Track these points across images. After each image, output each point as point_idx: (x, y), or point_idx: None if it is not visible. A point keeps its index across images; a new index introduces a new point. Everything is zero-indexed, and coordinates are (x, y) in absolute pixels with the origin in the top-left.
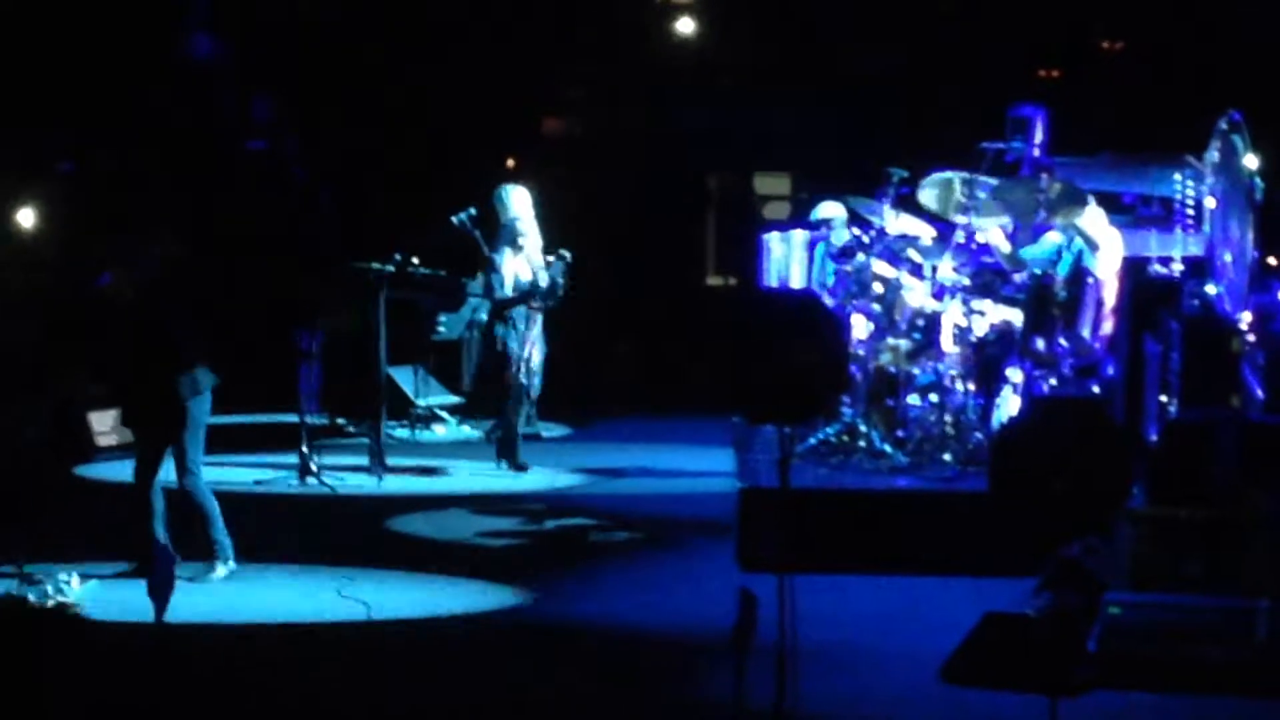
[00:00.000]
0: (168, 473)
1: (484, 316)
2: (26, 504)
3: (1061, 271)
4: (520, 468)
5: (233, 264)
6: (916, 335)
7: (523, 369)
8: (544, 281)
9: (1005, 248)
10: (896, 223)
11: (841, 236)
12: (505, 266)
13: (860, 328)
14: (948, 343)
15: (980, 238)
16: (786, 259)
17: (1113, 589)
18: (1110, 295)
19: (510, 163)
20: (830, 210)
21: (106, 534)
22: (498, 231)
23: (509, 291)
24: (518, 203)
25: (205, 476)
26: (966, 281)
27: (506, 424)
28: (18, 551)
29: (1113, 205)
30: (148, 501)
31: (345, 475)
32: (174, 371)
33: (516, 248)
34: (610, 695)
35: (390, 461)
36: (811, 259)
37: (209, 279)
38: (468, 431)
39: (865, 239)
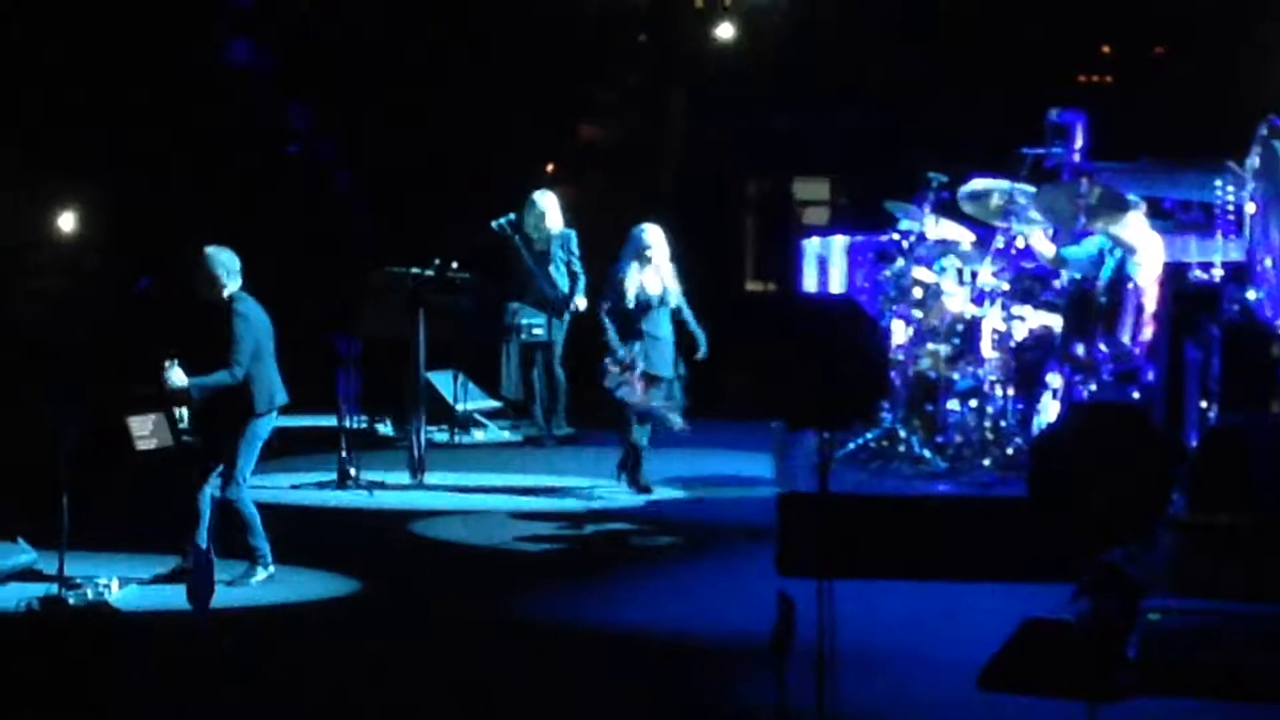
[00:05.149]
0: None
1: (523, 321)
2: (62, 504)
3: (1103, 276)
4: (644, 489)
5: (271, 268)
6: (956, 341)
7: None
8: (675, 291)
9: (1049, 251)
10: (936, 228)
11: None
12: (630, 279)
13: (900, 333)
14: (987, 348)
15: (1021, 241)
16: (826, 264)
17: (1152, 595)
18: (1150, 301)
19: (549, 168)
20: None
21: (145, 536)
22: (535, 241)
23: (630, 304)
24: (549, 209)
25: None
26: (1006, 287)
27: (630, 441)
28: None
29: (1153, 210)
30: (197, 505)
31: (383, 478)
32: (248, 381)
33: (644, 260)
34: (650, 699)
35: (433, 467)
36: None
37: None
38: (507, 435)
39: (905, 244)
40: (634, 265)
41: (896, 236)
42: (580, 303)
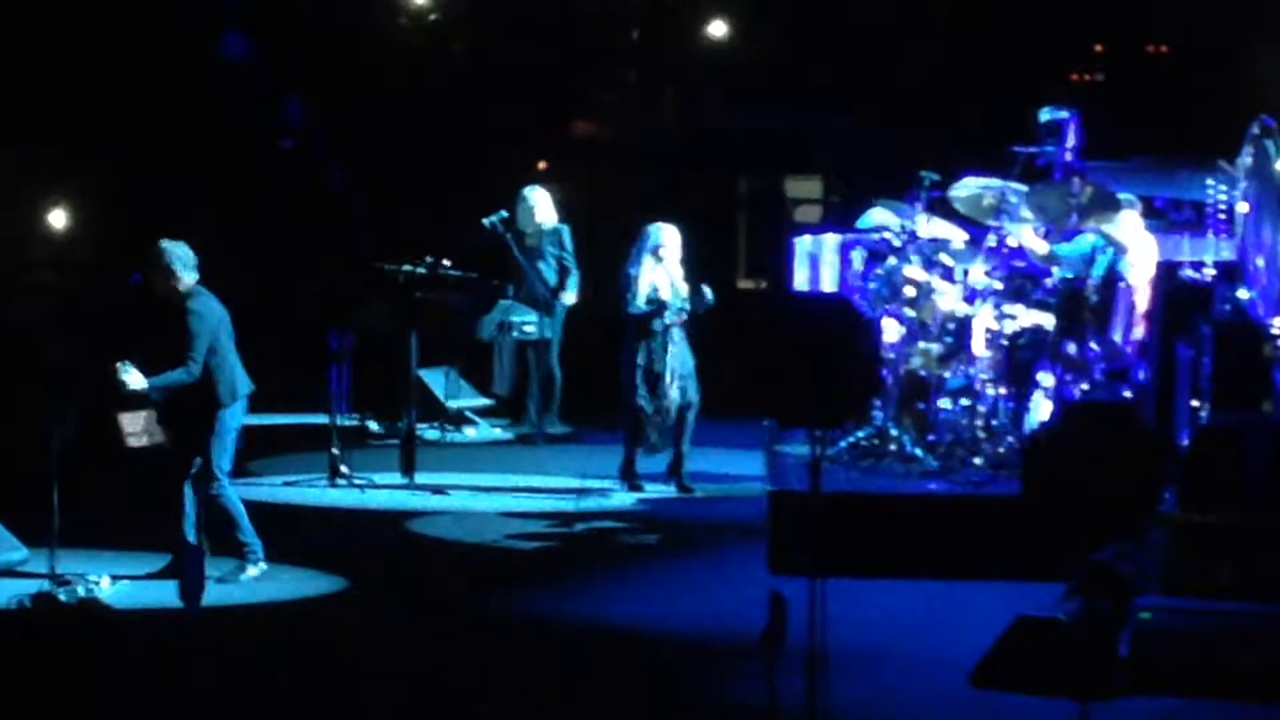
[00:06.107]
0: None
1: (514, 318)
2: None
3: (1095, 275)
4: (636, 487)
5: (265, 264)
6: (948, 339)
7: (668, 384)
8: (683, 293)
9: (1041, 249)
10: (928, 226)
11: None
12: (644, 278)
13: (891, 331)
14: (979, 346)
15: (1012, 240)
16: (817, 262)
17: (1144, 594)
18: (1142, 300)
19: (541, 165)
20: (883, 217)
21: (137, 533)
22: (526, 237)
23: (642, 304)
24: (539, 204)
25: (236, 478)
26: (998, 285)
27: (629, 442)
28: (46, 546)
29: (1145, 209)
30: (179, 502)
31: (374, 476)
32: (210, 376)
33: (657, 258)
34: (641, 697)
35: (424, 464)
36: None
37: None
38: (498, 433)
39: (896, 242)
40: (648, 262)
41: (888, 236)
42: (569, 298)
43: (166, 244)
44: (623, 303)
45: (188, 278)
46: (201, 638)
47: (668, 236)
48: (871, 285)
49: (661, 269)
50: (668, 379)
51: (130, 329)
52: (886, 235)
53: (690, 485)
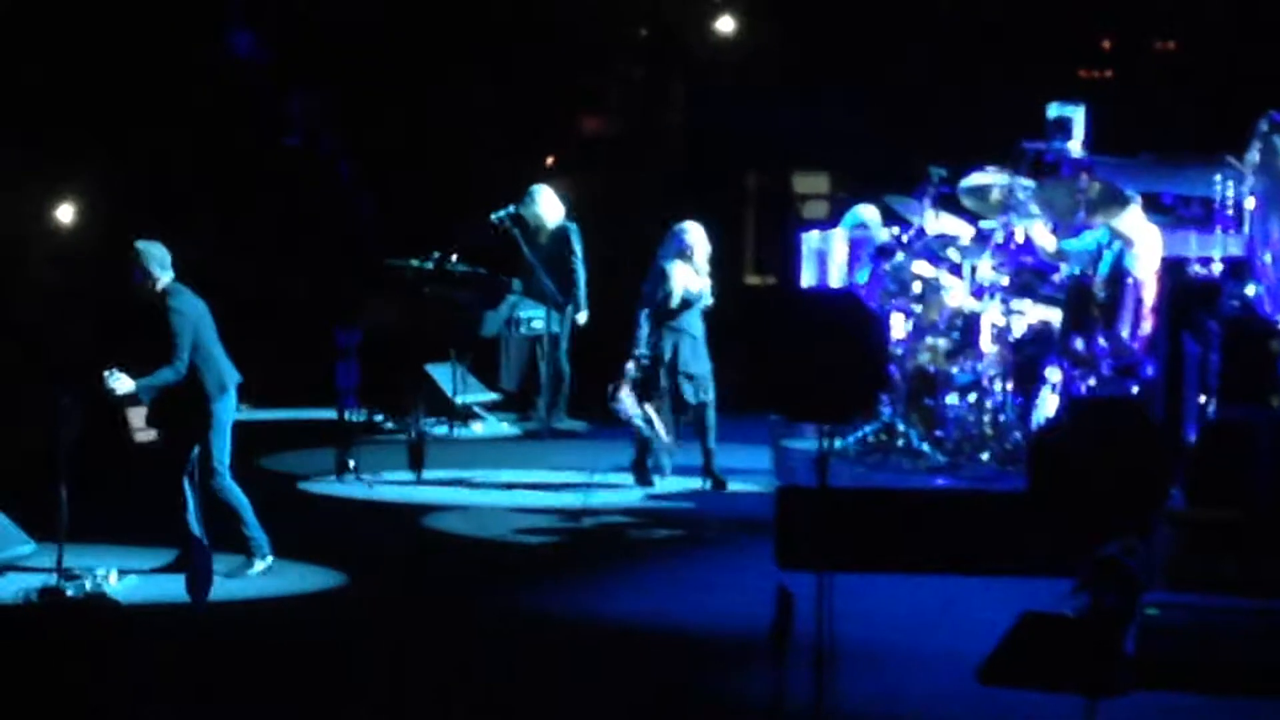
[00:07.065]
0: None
1: (522, 314)
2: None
3: (1101, 271)
4: (647, 482)
5: (272, 260)
6: (955, 335)
7: (687, 379)
8: (708, 291)
9: (1050, 244)
10: (936, 222)
11: (880, 237)
12: (676, 277)
13: (899, 327)
14: (986, 342)
15: (1020, 235)
16: (825, 258)
17: (1151, 590)
18: (1149, 295)
19: (549, 161)
20: (865, 213)
21: (144, 528)
22: (534, 234)
23: (675, 303)
24: (545, 203)
25: (242, 474)
26: (1005, 281)
27: (642, 436)
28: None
29: (1153, 205)
30: (180, 498)
31: (382, 471)
32: (196, 371)
33: (686, 257)
34: (649, 691)
35: (431, 460)
36: (854, 259)
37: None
38: (505, 428)
39: (904, 238)
40: (676, 263)
41: (894, 235)
42: (581, 318)
43: (142, 244)
44: (651, 297)
45: (164, 276)
46: (208, 632)
47: (695, 236)
48: (861, 279)
49: (689, 268)
50: (678, 376)
51: (135, 326)
52: (870, 234)
53: (723, 479)
